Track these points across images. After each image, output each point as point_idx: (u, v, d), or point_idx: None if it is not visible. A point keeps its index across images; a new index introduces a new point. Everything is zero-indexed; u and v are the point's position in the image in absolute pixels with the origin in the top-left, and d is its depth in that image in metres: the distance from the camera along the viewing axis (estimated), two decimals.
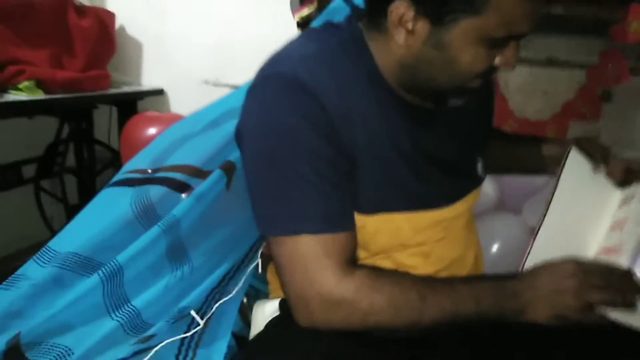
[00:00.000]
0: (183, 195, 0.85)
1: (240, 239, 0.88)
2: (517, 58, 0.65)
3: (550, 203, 0.73)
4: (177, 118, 1.37)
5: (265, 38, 1.95)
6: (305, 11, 1.89)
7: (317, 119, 0.63)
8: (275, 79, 0.65)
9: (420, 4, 0.61)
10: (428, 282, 0.64)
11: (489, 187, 1.37)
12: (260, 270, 0.92)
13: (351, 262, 0.65)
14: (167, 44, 2.13)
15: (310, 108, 0.62)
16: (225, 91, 1.00)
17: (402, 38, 0.63)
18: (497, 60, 0.64)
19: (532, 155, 0.86)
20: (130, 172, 0.86)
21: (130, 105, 2.01)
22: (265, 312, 0.82)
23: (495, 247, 1.26)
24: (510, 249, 1.19)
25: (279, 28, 1.94)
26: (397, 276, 0.64)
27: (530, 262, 0.70)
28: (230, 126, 0.87)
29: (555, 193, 0.73)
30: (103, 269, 0.74)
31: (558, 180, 0.73)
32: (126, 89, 2.02)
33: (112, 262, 0.75)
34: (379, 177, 0.68)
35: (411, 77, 0.67)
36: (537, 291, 0.63)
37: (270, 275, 0.88)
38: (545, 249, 0.72)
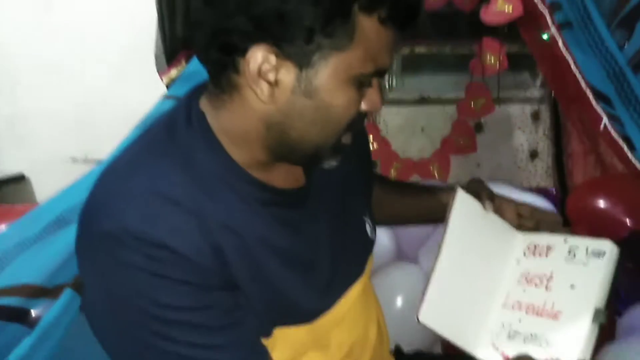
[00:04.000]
0: (28, 320, 0.70)
1: None
2: (381, 98, 0.60)
3: (441, 246, 0.70)
4: None
5: (135, 104, 1.82)
6: (174, 72, 1.80)
7: (172, 267, 0.52)
8: (103, 241, 0.53)
9: (283, 45, 0.53)
10: None
11: (385, 238, 1.34)
12: None
13: None
14: (22, 123, 1.93)
15: (158, 259, 0.52)
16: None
17: (266, 93, 0.54)
18: (364, 104, 0.59)
19: (433, 205, 0.83)
20: None
21: None
22: None
23: (399, 301, 1.22)
24: (414, 299, 1.15)
25: (149, 92, 1.82)
26: None
27: (425, 309, 0.67)
28: None
29: (446, 235, 0.70)
30: None
31: (447, 222, 0.71)
32: None
33: None
34: (266, 296, 0.59)
35: (280, 136, 0.57)
36: None
37: None
38: (441, 294, 0.69)
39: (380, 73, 0.58)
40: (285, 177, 0.63)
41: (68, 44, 1.95)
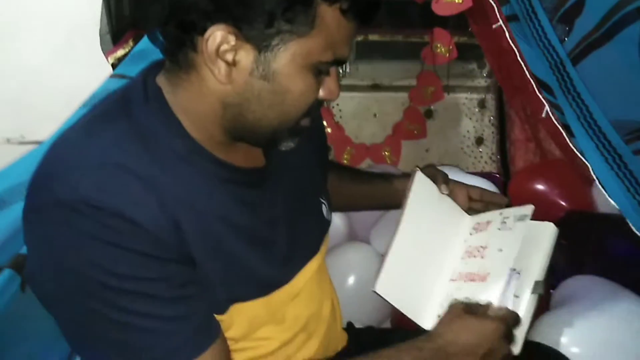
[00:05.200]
0: None
1: (46, 355, 0.71)
2: (338, 87, 0.61)
3: (399, 224, 0.73)
4: None
5: (78, 85, 1.72)
6: (120, 52, 1.72)
7: (128, 237, 0.51)
8: (56, 210, 0.51)
9: (243, 27, 0.52)
10: None
11: (338, 219, 1.36)
12: None
13: None
14: None
15: (114, 228, 0.51)
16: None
17: (223, 73, 0.54)
18: (321, 92, 0.60)
19: (387, 191, 0.86)
20: None
21: None
22: None
23: (351, 279, 1.25)
24: (366, 278, 1.18)
25: (93, 72, 1.73)
26: None
27: (381, 282, 0.70)
28: (21, 207, 0.71)
29: (404, 213, 0.74)
30: None
31: (406, 201, 0.75)
32: None
33: None
34: (222, 272, 0.59)
35: (237, 118, 0.57)
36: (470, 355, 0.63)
37: None
38: (396, 268, 0.72)
39: (338, 62, 0.58)
40: (244, 156, 0.63)
41: (4, 19, 1.82)
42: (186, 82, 0.57)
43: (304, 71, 0.56)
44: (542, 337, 1.00)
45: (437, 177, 0.80)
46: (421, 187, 0.77)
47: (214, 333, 0.58)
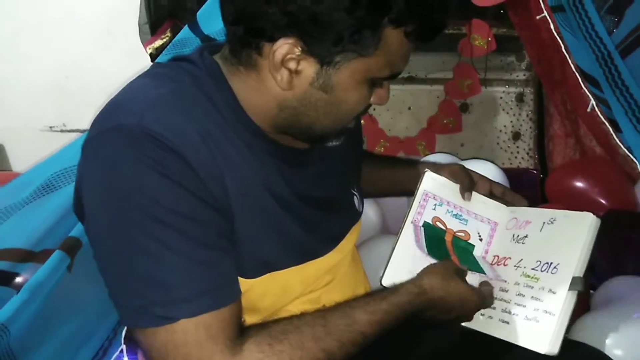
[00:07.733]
0: (15, 283, 0.69)
1: (93, 329, 0.74)
2: (389, 94, 0.64)
3: (406, 219, 0.75)
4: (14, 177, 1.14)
5: (117, 74, 1.75)
6: (158, 42, 1.75)
7: (179, 173, 0.54)
8: (117, 133, 0.54)
9: (310, 44, 0.55)
10: (329, 330, 0.58)
11: (371, 212, 1.36)
12: (126, 357, 0.78)
13: (238, 335, 0.56)
14: None
15: (168, 162, 0.53)
16: (75, 138, 0.85)
17: (285, 80, 0.57)
18: (372, 99, 0.63)
19: (411, 176, 0.86)
20: None
21: None
22: None
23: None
24: None
25: (132, 62, 1.76)
26: (294, 336, 0.57)
27: (388, 274, 0.72)
28: (70, 190, 0.74)
29: (411, 210, 0.76)
30: None
31: (413, 199, 0.77)
32: None
33: None
34: (260, 233, 0.61)
35: (291, 119, 0.61)
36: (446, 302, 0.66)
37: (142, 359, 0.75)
38: (403, 261, 0.73)
39: (393, 76, 0.61)
40: (290, 139, 0.65)
41: (47, 10, 1.87)
42: (245, 76, 0.60)
43: (361, 85, 0.59)
44: (584, 338, 0.97)
45: (463, 182, 0.80)
46: (430, 186, 0.78)
47: (236, 295, 0.58)
